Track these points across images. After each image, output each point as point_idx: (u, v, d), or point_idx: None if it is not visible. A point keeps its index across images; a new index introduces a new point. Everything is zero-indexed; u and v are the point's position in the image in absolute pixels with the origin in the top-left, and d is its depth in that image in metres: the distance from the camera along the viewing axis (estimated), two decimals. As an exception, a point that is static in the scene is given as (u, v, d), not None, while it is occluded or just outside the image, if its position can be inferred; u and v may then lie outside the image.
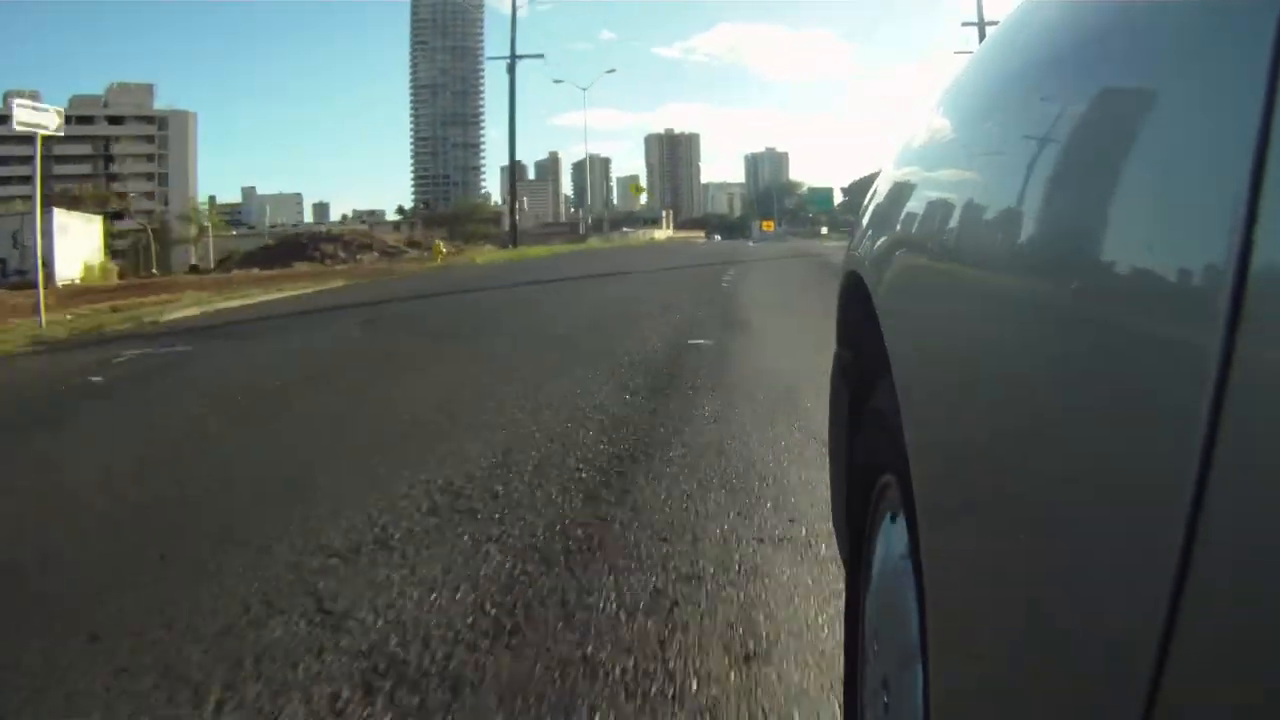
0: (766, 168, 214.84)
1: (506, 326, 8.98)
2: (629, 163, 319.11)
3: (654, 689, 1.82)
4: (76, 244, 27.78)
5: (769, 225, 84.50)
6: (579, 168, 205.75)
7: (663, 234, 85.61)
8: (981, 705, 0.61)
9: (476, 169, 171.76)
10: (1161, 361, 0.41)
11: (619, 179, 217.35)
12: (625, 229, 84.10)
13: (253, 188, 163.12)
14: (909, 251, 0.99)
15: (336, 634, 2.09)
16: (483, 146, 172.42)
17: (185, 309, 12.06)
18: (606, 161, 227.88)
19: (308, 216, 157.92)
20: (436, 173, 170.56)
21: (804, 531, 2.72)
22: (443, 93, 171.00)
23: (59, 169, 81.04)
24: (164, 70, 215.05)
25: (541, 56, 42.89)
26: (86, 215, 33.36)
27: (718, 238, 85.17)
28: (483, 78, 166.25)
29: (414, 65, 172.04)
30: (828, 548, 2.51)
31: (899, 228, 1.03)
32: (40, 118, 9.99)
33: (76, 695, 1.85)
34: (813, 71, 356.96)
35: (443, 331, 8.95)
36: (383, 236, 53.40)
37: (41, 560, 2.71)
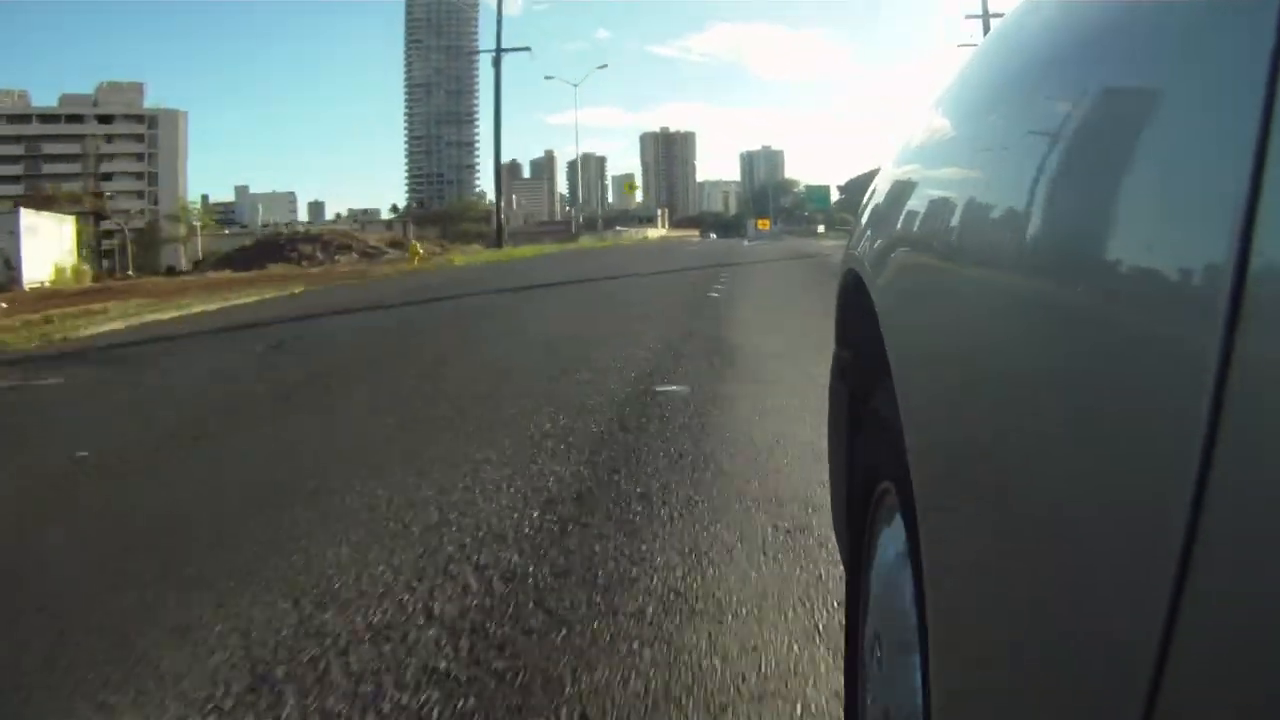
0: (762, 166, 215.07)
1: (423, 355, 7.12)
2: (625, 161, 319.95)
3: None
4: (46, 245, 27.24)
5: (764, 224, 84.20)
6: (574, 166, 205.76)
7: (657, 233, 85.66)
8: (982, 706, 0.61)
9: (471, 167, 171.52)
10: (1161, 361, 0.41)
11: (614, 177, 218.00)
12: (619, 227, 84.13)
13: (246, 186, 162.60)
14: (908, 250, 0.99)
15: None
16: (477, 145, 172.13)
17: (111, 322, 10.81)
18: (602, 160, 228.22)
19: (302, 215, 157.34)
20: (431, 171, 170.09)
21: None
22: (437, 91, 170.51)
23: (47, 168, 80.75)
24: (155, 69, 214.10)
25: (528, 50, 42.23)
26: (59, 215, 32.95)
27: (713, 236, 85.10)
28: (477, 76, 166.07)
29: (409, 64, 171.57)
30: None
31: (898, 227, 1.03)
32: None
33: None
34: (810, 70, 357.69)
35: (332, 368, 6.72)
36: (364, 237, 52.21)
37: None
